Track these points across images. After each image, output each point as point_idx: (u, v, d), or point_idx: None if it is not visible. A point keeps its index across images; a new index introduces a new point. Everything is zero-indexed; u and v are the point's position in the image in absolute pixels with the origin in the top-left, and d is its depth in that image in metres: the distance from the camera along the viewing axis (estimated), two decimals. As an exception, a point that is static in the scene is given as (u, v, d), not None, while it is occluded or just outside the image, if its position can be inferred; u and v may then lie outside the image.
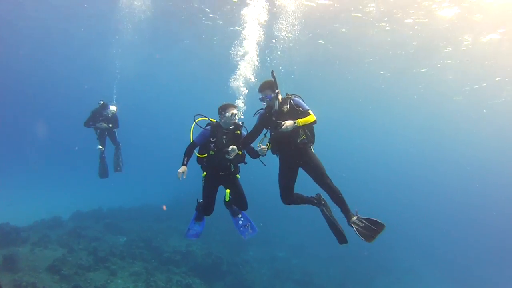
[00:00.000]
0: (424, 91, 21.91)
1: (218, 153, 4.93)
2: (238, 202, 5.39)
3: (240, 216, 5.74)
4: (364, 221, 4.44)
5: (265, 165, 5.16)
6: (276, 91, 4.83)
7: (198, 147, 5.07)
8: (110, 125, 9.12)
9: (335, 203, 4.71)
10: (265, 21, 7.26)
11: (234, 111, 4.97)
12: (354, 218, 4.49)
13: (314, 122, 4.72)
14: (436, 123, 31.54)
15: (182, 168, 4.72)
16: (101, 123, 8.95)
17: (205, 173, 5.10)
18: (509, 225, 20.84)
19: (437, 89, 20.70)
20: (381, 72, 19.45)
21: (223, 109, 4.98)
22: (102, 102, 8.91)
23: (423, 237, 18.98)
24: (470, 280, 15.22)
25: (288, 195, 5.05)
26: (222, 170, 5.09)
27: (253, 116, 5.14)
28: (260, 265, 13.19)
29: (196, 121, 5.03)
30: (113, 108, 9.11)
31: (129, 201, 18.20)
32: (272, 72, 4.87)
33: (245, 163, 5.28)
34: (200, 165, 5.22)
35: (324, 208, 5.04)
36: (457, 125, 30.30)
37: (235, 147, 4.83)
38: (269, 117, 4.84)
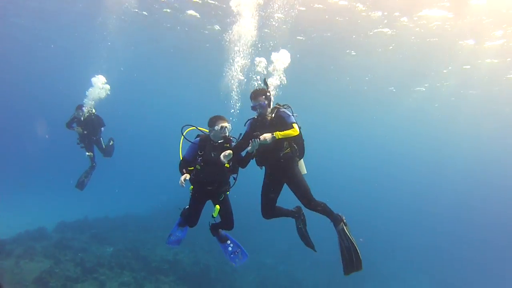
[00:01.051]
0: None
1: (205, 167, 4.72)
2: (224, 220, 5.14)
3: (228, 242, 5.48)
4: (348, 241, 4.35)
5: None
6: (270, 98, 4.75)
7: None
8: (85, 132, 8.65)
9: (321, 213, 4.58)
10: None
11: (224, 124, 4.73)
12: (340, 226, 4.43)
13: (297, 135, 4.53)
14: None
15: (183, 176, 4.53)
16: (76, 127, 8.61)
17: (191, 187, 4.87)
18: (498, 231, 21.46)
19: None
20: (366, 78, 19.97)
21: (212, 122, 4.77)
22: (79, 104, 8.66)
23: (409, 242, 19.45)
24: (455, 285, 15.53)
25: (269, 209, 4.93)
26: (210, 185, 4.83)
27: (244, 125, 5.00)
28: (247, 272, 13.30)
29: (184, 133, 4.85)
30: (85, 109, 8.67)
31: (113, 211, 18.05)
32: (264, 79, 4.87)
33: (235, 179, 5.07)
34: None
35: (300, 223, 5.13)
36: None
37: (230, 152, 4.58)
38: (259, 125, 4.70)
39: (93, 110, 8.88)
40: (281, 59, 5.20)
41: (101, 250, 12.27)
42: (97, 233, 13.70)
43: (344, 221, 4.48)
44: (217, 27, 15.07)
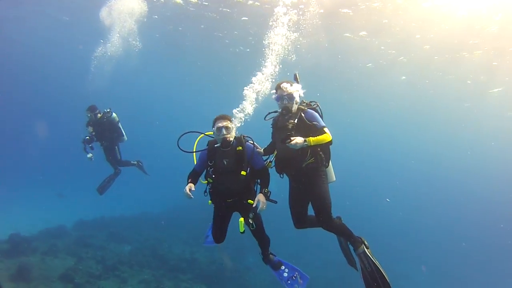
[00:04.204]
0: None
1: (218, 178, 4.19)
2: (256, 234, 4.51)
3: (283, 267, 4.87)
4: (371, 264, 3.97)
5: (275, 202, 4.20)
6: (299, 93, 4.18)
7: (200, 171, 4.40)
8: (93, 133, 8.54)
9: (339, 236, 4.31)
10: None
11: (222, 123, 4.08)
12: (361, 249, 4.06)
13: (330, 142, 3.95)
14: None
15: (188, 186, 4.09)
16: (88, 127, 8.58)
17: (210, 201, 4.37)
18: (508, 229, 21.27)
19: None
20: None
21: (213, 123, 4.19)
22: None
23: (419, 242, 19.49)
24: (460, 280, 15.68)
25: (300, 221, 4.46)
26: (229, 197, 4.29)
27: (265, 119, 4.47)
28: (260, 271, 13.60)
29: (195, 142, 4.41)
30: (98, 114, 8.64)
31: (129, 209, 18.51)
32: (295, 74, 4.34)
33: (257, 184, 4.45)
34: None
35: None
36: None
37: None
38: (282, 124, 4.17)
39: (112, 115, 8.83)
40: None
41: (119, 249, 12.67)
42: (114, 231, 14.12)
43: (366, 243, 4.12)
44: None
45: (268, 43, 5.74)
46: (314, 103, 4.38)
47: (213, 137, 4.33)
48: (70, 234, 13.49)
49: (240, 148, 4.12)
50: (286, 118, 4.10)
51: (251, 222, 4.06)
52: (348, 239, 4.20)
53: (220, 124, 4.06)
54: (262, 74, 4.79)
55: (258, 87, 4.60)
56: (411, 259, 17.54)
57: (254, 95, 4.55)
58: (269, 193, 4.16)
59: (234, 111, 4.35)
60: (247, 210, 4.16)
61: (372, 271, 3.94)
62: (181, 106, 38.72)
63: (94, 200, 14.54)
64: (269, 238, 4.68)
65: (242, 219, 4.08)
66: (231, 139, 4.13)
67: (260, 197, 4.07)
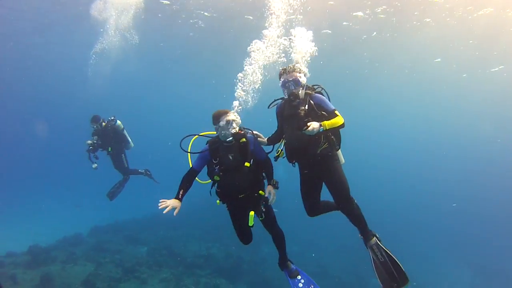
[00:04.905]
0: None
1: (226, 175, 4.05)
2: (268, 227, 4.46)
3: (299, 277, 4.68)
4: (385, 255, 3.93)
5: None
6: (305, 77, 4.05)
7: (200, 172, 4.22)
8: (95, 142, 8.52)
9: (353, 224, 4.18)
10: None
11: (229, 117, 3.97)
12: (373, 241, 4.02)
13: (342, 125, 3.83)
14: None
15: (173, 201, 3.81)
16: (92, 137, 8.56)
17: (218, 201, 4.22)
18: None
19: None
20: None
21: (216, 118, 4.01)
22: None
23: (434, 222, 19.53)
24: (484, 262, 15.44)
25: (313, 208, 4.41)
26: (240, 193, 4.13)
27: (268, 107, 4.37)
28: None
29: (192, 139, 4.19)
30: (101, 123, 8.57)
31: (140, 211, 18.70)
32: (296, 58, 4.31)
33: (263, 178, 4.34)
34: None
35: None
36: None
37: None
38: (289, 111, 4.07)
39: (117, 122, 8.75)
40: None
41: (136, 250, 12.88)
42: (129, 234, 14.36)
43: (377, 236, 4.10)
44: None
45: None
46: (318, 86, 4.23)
47: (208, 137, 4.28)
48: (87, 241, 13.72)
49: (244, 140, 4.02)
50: (294, 105, 3.98)
51: (263, 211, 4.13)
52: (362, 229, 4.12)
53: (229, 117, 3.95)
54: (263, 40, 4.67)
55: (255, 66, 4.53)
56: (426, 239, 17.67)
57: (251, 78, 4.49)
58: (277, 183, 4.24)
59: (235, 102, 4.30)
60: (258, 203, 4.17)
61: (386, 261, 3.91)
62: (182, 103, 38.60)
63: (106, 206, 14.81)
64: (283, 232, 4.58)
65: (252, 212, 4.04)
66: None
67: (270, 188, 4.18)
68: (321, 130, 3.70)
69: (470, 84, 23.54)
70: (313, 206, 4.39)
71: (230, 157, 4.02)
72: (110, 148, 8.73)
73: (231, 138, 3.98)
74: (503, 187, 23.47)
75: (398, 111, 35.95)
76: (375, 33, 15.88)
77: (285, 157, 4.29)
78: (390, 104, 33.12)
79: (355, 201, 4.20)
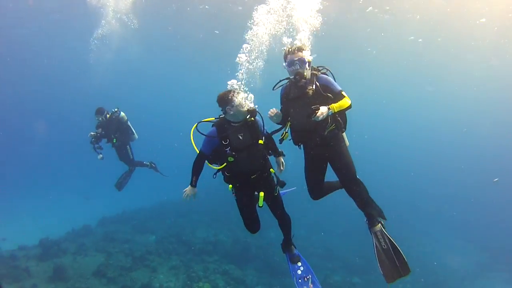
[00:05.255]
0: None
1: (239, 156, 3.97)
2: (277, 211, 4.49)
3: (299, 264, 4.70)
4: (388, 243, 3.90)
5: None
6: (311, 56, 3.92)
7: (208, 157, 4.14)
8: (98, 133, 8.49)
9: (360, 209, 4.13)
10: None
11: (241, 95, 3.89)
12: (378, 227, 3.99)
13: (349, 107, 3.80)
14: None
15: (189, 189, 4.03)
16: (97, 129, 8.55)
17: (231, 186, 4.16)
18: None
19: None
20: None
21: (225, 99, 3.87)
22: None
23: (437, 201, 19.59)
24: (491, 242, 15.47)
25: (317, 191, 4.41)
26: (253, 172, 4.11)
27: (273, 89, 4.26)
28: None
29: (195, 126, 4.02)
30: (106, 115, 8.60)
31: (147, 200, 18.90)
32: (300, 39, 4.16)
33: (269, 155, 4.36)
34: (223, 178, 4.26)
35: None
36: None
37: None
38: (295, 93, 3.99)
39: (120, 114, 8.73)
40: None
41: (145, 239, 13.07)
42: (137, 224, 14.56)
43: (383, 222, 4.10)
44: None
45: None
46: (322, 67, 4.16)
47: (213, 120, 4.21)
48: (96, 232, 13.91)
49: (252, 119, 3.99)
50: (301, 86, 3.90)
51: (277, 191, 4.27)
52: (368, 214, 4.07)
53: (242, 96, 3.89)
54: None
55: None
56: (430, 216, 17.77)
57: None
58: (282, 151, 4.44)
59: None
60: (267, 184, 4.25)
61: (388, 248, 3.88)
62: (188, 91, 38.49)
63: (113, 196, 14.98)
64: (290, 217, 4.62)
65: (262, 193, 4.08)
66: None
67: (279, 159, 4.44)
68: (329, 114, 3.69)
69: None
70: (318, 189, 4.41)
71: (240, 137, 3.97)
72: (115, 139, 8.70)
73: (242, 117, 3.94)
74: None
75: (402, 95, 35.62)
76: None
77: (291, 140, 4.22)
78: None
79: (362, 183, 4.19)
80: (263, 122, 4.16)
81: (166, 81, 32.72)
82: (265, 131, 4.20)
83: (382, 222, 4.08)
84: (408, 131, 38.55)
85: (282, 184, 4.37)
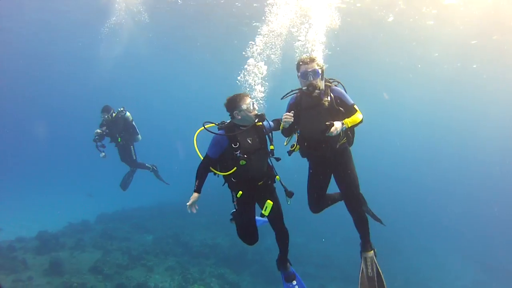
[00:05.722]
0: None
1: (251, 159, 3.84)
2: (276, 223, 4.31)
3: (294, 283, 4.60)
4: (375, 271, 3.96)
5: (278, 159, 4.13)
6: (323, 67, 3.86)
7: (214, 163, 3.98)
8: (102, 131, 8.38)
9: (356, 228, 4.14)
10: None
11: (250, 99, 3.87)
12: (370, 254, 4.03)
13: (361, 122, 3.78)
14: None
15: (194, 197, 3.79)
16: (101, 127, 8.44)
17: (240, 192, 3.93)
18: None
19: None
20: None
21: (234, 103, 3.84)
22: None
23: (435, 215, 19.51)
24: (488, 259, 15.42)
25: (319, 204, 4.37)
26: (260, 179, 4.03)
27: (281, 99, 4.19)
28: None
29: (206, 127, 3.89)
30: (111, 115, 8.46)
31: (147, 200, 18.95)
32: (312, 50, 4.24)
33: (278, 159, 4.15)
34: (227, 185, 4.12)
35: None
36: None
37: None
38: (308, 104, 3.91)
39: (126, 113, 8.65)
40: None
41: (142, 239, 13.08)
42: (137, 222, 14.60)
43: (375, 250, 4.12)
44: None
45: None
46: (333, 80, 4.12)
47: (221, 124, 4.07)
48: (94, 228, 13.95)
49: (260, 124, 3.94)
50: (315, 96, 3.82)
51: (289, 200, 4.11)
52: (363, 237, 4.11)
53: (249, 101, 3.84)
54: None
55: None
56: (432, 235, 17.64)
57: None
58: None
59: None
60: (273, 192, 4.16)
61: (373, 277, 3.94)
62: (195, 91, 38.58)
63: (113, 193, 15.05)
64: (288, 232, 4.45)
65: (270, 201, 3.98)
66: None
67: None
68: (343, 129, 3.67)
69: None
70: (320, 202, 4.36)
71: (249, 141, 3.88)
72: (120, 138, 8.65)
73: (250, 122, 3.87)
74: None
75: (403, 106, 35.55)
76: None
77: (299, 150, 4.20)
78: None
79: (364, 199, 4.26)
80: (270, 127, 4.11)
81: (173, 81, 32.78)
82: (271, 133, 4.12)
83: (375, 250, 4.10)
84: (412, 141, 38.48)
85: (290, 195, 4.15)
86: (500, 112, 29.53)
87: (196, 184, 3.84)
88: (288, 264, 4.68)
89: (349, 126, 3.67)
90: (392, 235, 15.25)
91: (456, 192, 23.39)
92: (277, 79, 4.33)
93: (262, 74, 4.13)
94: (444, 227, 18.27)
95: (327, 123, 3.54)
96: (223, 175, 3.96)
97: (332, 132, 3.50)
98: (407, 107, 35.76)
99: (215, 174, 4.02)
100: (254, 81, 4.23)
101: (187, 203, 3.77)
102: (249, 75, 4.17)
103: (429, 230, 17.75)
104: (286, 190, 4.15)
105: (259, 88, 4.30)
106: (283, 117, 3.83)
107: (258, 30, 4.59)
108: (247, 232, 4.28)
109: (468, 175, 27.44)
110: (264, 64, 4.39)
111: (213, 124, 4.03)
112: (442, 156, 33.47)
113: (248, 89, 4.34)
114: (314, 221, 16.53)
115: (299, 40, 4.30)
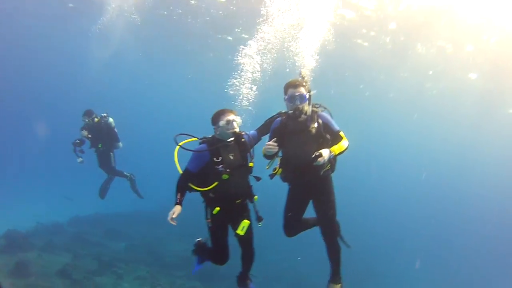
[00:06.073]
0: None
1: (233, 174, 3.80)
2: (245, 244, 4.31)
3: None
4: None
5: (259, 179, 4.13)
6: (311, 92, 3.86)
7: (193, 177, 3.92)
8: (90, 136, 8.32)
9: (328, 257, 4.18)
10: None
11: (231, 116, 3.82)
12: (338, 286, 4.12)
13: (347, 149, 3.82)
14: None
15: (176, 209, 3.74)
16: (82, 131, 8.31)
17: (217, 208, 3.86)
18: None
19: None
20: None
21: (216, 117, 3.88)
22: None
23: (414, 241, 19.72)
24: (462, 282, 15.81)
25: (295, 228, 4.36)
26: (238, 197, 3.99)
27: (265, 122, 4.25)
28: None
29: (180, 144, 3.80)
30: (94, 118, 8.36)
31: (122, 206, 18.63)
32: (300, 72, 4.00)
33: (259, 179, 4.13)
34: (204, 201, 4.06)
35: None
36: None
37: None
38: (293, 128, 3.87)
39: (109, 119, 8.61)
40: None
41: (114, 245, 12.90)
42: (110, 228, 14.36)
43: (343, 284, 4.21)
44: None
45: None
46: (319, 105, 4.09)
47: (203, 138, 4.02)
48: (66, 230, 13.69)
49: (243, 139, 3.91)
50: (301, 121, 3.82)
51: (260, 223, 4.07)
52: (333, 268, 4.18)
53: (230, 117, 3.80)
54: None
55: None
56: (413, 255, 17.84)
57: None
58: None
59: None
60: (248, 212, 4.12)
61: None
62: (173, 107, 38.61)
63: (88, 196, 14.82)
64: (254, 252, 4.47)
65: (247, 221, 3.97)
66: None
67: None
68: (331, 157, 3.69)
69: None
70: (296, 226, 4.34)
71: (231, 157, 3.86)
72: (100, 144, 8.57)
73: (232, 138, 3.85)
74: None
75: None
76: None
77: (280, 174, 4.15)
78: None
79: (339, 226, 4.25)
80: (251, 141, 4.08)
81: (161, 89, 32.74)
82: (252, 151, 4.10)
83: (342, 284, 4.17)
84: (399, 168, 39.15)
85: (261, 219, 4.11)
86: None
87: (178, 197, 3.81)
88: (248, 281, 4.71)
89: (336, 153, 3.71)
90: (371, 259, 15.43)
91: (440, 218, 23.75)
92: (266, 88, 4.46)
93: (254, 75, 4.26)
94: (423, 255, 18.45)
95: (316, 153, 3.55)
96: (201, 191, 3.88)
97: (320, 161, 3.52)
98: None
99: (191, 190, 3.95)
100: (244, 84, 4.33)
101: (172, 215, 3.69)
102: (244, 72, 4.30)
103: (407, 256, 17.94)
104: (257, 214, 4.11)
105: (247, 91, 4.37)
106: (266, 146, 3.74)
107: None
108: (221, 251, 4.27)
109: (455, 201, 27.95)
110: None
111: (194, 138, 3.98)
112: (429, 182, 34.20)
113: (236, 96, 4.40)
114: (289, 240, 16.65)
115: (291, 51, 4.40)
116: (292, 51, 4.65)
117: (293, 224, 4.30)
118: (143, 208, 18.53)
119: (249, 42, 4.84)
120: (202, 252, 4.65)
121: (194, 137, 3.99)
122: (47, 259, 10.40)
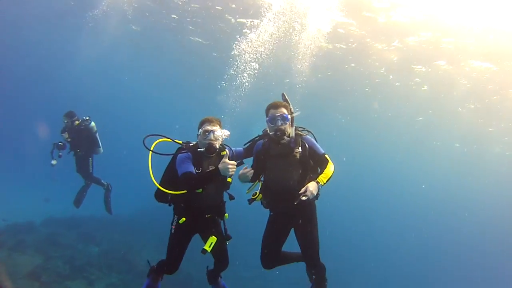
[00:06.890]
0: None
1: (207, 187, 3.72)
2: (220, 258, 4.28)
3: None
4: None
5: (233, 198, 4.05)
6: (293, 114, 3.76)
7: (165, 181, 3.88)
8: (69, 139, 8.19)
9: (315, 283, 4.17)
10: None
11: (209, 127, 3.71)
12: None
13: (333, 173, 3.63)
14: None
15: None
16: (63, 133, 8.24)
17: (184, 218, 3.81)
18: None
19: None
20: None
21: (200, 124, 3.85)
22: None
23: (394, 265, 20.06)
24: None
25: (273, 259, 4.21)
26: (209, 212, 3.94)
27: (244, 145, 4.15)
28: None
29: (151, 149, 3.64)
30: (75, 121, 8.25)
31: (99, 210, 18.30)
32: (283, 94, 3.91)
33: (232, 198, 4.07)
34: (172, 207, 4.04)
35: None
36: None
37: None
38: (276, 152, 3.79)
39: (91, 124, 8.47)
40: None
41: (88, 250, 12.67)
42: (84, 232, 14.10)
43: None
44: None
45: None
46: (302, 128, 4.00)
47: (182, 143, 3.95)
48: (39, 231, 13.36)
49: (225, 153, 3.66)
50: (285, 144, 3.73)
51: (227, 242, 4.04)
52: None
53: (208, 127, 3.71)
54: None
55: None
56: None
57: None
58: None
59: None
60: (217, 227, 4.06)
61: None
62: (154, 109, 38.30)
63: (63, 197, 14.60)
64: (229, 261, 4.44)
65: (214, 237, 3.86)
66: (217, 145, 3.78)
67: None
68: (320, 188, 3.57)
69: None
70: (274, 257, 4.19)
71: (210, 168, 3.75)
72: (79, 149, 8.49)
73: (202, 149, 3.75)
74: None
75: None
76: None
77: (261, 200, 4.04)
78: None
79: (323, 265, 4.22)
80: (233, 156, 3.96)
81: (149, 95, 32.60)
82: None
83: None
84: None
85: (228, 238, 4.12)
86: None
87: (210, 172, 3.66)
88: (219, 278, 4.70)
89: (324, 182, 3.54)
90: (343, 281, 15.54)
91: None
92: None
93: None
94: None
95: (302, 190, 3.43)
96: (174, 196, 3.77)
97: (309, 197, 3.39)
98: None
99: (165, 195, 3.88)
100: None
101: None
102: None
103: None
104: (225, 232, 4.08)
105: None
106: (242, 172, 3.68)
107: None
108: (173, 261, 4.20)
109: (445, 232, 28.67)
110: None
111: (167, 139, 3.83)
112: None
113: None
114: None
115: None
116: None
117: (270, 255, 4.15)
118: (119, 213, 18.33)
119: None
120: (161, 263, 4.59)
121: (167, 137, 3.82)
122: (17, 259, 10.18)
